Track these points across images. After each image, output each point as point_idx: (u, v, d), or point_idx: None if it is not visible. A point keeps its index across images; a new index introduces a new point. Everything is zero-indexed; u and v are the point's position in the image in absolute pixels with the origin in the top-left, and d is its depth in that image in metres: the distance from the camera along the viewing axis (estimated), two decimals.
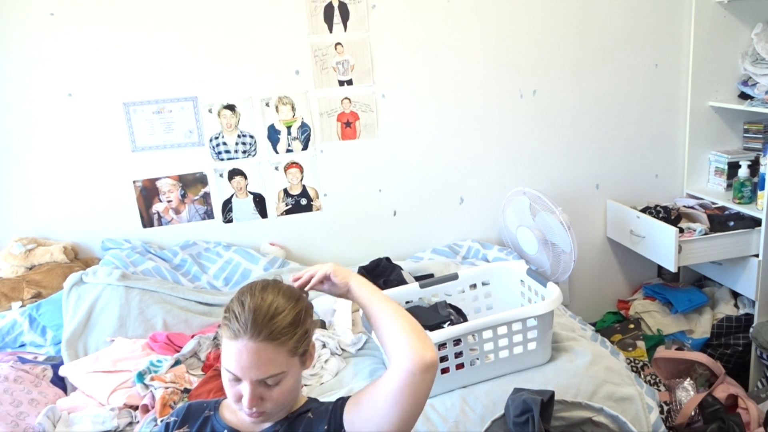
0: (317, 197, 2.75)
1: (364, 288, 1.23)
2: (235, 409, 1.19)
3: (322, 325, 2.23)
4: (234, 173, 2.67)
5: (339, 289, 1.25)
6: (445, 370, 1.80)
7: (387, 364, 1.91)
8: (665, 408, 2.26)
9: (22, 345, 2.25)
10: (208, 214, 2.69)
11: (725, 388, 2.36)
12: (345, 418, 1.15)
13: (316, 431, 1.16)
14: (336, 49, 2.60)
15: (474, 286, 2.19)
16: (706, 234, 2.55)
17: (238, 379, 1.11)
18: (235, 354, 1.10)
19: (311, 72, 2.61)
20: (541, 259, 2.64)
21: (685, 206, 2.80)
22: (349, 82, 2.64)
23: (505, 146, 2.83)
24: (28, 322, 2.25)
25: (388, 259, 2.59)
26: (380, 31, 2.61)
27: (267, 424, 1.19)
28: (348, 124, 2.69)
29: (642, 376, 2.40)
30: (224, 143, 2.63)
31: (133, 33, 2.46)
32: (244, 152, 2.65)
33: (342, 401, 1.19)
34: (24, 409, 1.79)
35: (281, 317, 1.11)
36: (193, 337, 2.15)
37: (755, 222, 2.54)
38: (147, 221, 2.65)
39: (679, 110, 2.90)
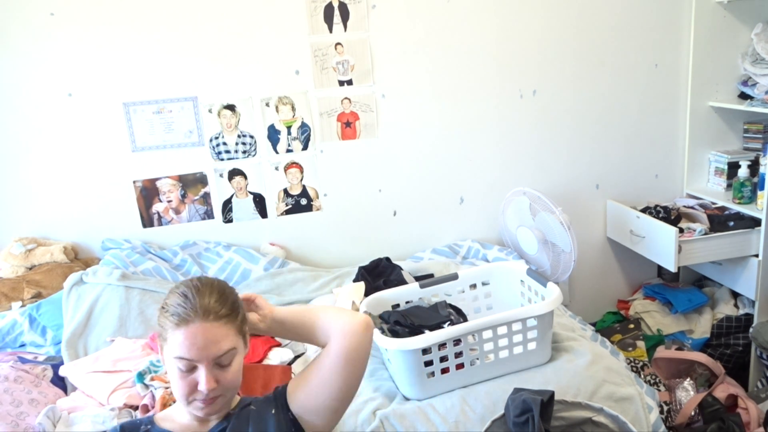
0: (317, 197, 2.75)
1: (287, 309, 1.32)
2: (184, 406, 1.20)
3: None
4: (234, 173, 2.67)
5: (261, 315, 1.29)
6: (445, 370, 1.80)
7: (388, 366, 1.91)
8: (665, 408, 2.26)
9: (22, 345, 2.25)
10: (208, 214, 2.69)
11: (725, 388, 2.36)
12: (289, 400, 1.22)
13: (265, 418, 1.22)
14: (336, 49, 2.60)
15: (474, 286, 2.19)
16: (706, 234, 2.55)
17: (192, 368, 1.16)
18: (189, 338, 1.14)
19: (311, 72, 2.61)
20: (541, 259, 2.64)
21: (685, 206, 2.80)
22: (349, 82, 2.64)
23: (505, 146, 2.83)
24: (28, 322, 2.25)
25: (388, 259, 2.59)
26: (380, 31, 2.61)
27: (212, 423, 1.23)
28: (348, 124, 2.69)
29: (642, 376, 2.40)
30: (224, 143, 2.63)
31: (133, 33, 2.46)
32: (244, 152, 2.65)
33: (282, 387, 1.27)
34: (24, 409, 1.79)
35: (224, 298, 1.20)
36: None
37: (755, 222, 2.54)
38: (147, 221, 2.65)
39: (679, 110, 2.90)
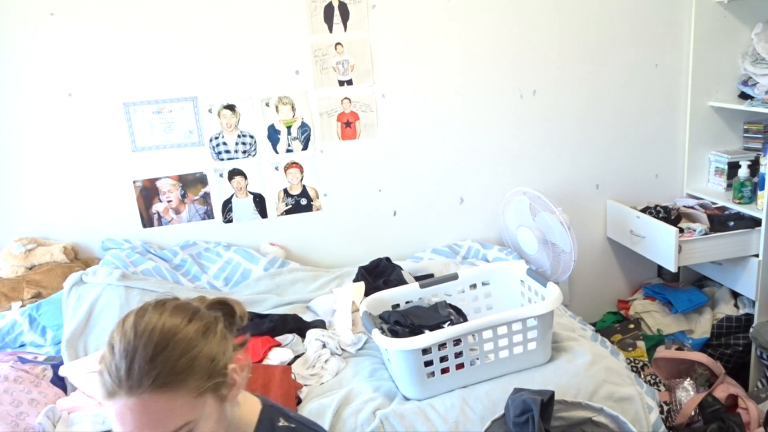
0: (317, 197, 2.75)
1: None
2: None
3: (322, 325, 2.23)
4: (234, 173, 2.67)
5: None
6: (445, 370, 1.80)
7: (388, 366, 1.91)
8: (665, 408, 2.26)
9: (22, 345, 2.25)
10: (208, 214, 2.69)
11: (725, 388, 2.36)
12: None
13: None
14: (336, 49, 2.60)
15: (474, 286, 2.19)
16: (706, 234, 2.55)
17: None
18: (118, 417, 0.84)
19: (311, 72, 2.61)
20: (541, 259, 2.64)
21: (685, 206, 2.80)
22: (349, 82, 2.64)
23: (505, 146, 2.83)
24: (28, 322, 2.25)
25: (388, 259, 2.59)
26: (380, 31, 2.61)
27: None
28: (348, 124, 2.69)
29: (642, 376, 2.40)
30: (224, 143, 2.63)
31: (133, 33, 2.46)
32: (244, 152, 2.65)
33: None
34: (24, 409, 1.79)
35: (168, 351, 0.84)
36: None
37: (755, 222, 2.54)
38: (147, 221, 2.65)
39: (679, 110, 2.90)
